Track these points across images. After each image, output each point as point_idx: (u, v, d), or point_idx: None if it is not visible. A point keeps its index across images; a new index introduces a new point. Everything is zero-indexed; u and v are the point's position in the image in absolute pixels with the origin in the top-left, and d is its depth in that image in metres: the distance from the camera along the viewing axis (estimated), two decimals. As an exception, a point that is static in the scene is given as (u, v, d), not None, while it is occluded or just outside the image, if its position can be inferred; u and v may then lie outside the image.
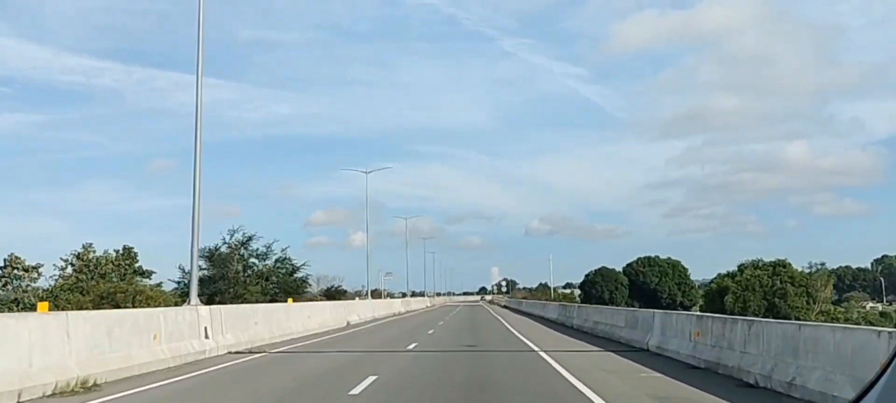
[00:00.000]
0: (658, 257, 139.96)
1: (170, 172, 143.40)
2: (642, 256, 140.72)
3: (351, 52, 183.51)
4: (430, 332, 30.31)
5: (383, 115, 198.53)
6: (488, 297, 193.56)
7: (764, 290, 60.13)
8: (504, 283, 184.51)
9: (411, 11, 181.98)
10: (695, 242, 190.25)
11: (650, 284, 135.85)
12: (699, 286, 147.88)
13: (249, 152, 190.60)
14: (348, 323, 35.14)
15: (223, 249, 55.31)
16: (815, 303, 60.86)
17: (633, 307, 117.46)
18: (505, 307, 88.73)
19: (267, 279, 56.23)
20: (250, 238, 56.26)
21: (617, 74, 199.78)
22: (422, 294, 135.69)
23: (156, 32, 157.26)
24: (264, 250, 57.06)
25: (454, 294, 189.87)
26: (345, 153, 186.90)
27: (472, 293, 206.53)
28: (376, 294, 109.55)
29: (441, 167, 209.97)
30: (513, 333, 29.08)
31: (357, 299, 46.36)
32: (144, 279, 55.05)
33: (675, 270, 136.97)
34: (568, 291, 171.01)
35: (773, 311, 57.80)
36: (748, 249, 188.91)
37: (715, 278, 72.64)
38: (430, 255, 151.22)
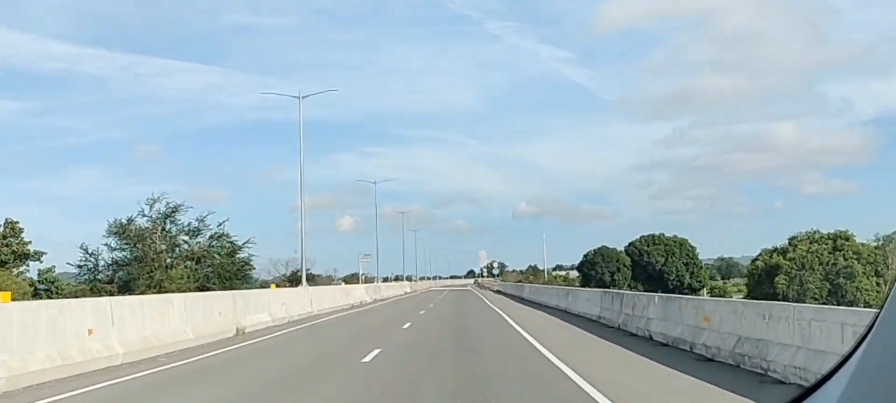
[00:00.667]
0: (663, 235, 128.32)
1: (155, 157, 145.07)
2: (645, 234, 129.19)
3: (336, 36, 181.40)
4: (370, 357, 15.20)
5: (370, 99, 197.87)
6: (478, 281, 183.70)
7: (824, 268, 48.13)
8: (495, 265, 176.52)
9: None
10: (681, 223, 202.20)
11: (655, 264, 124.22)
12: (706, 267, 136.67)
13: (235, 138, 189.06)
14: (238, 331, 21.28)
15: (142, 222, 42.99)
16: (884, 283, 48.86)
17: (637, 290, 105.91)
18: (498, 292, 76.62)
19: (198, 262, 43.89)
20: (176, 209, 43.93)
21: (603, 56, 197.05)
22: (407, 278, 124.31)
23: (139, 18, 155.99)
24: (197, 224, 44.77)
25: (441, 278, 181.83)
26: (332, 138, 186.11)
27: (459, 277, 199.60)
28: (353, 279, 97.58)
29: (428, 151, 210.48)
30: (547, 357, 14.62)
31: (275, 289, 31.29)
32: (32, 263, 43.22)
33: (682, 248, 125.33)
34: (563, 274, 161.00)
35: (837, 295, 45.94)
36: (736, 231, 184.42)
37: (760, 254, 60.59)
38: (412, 234, 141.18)
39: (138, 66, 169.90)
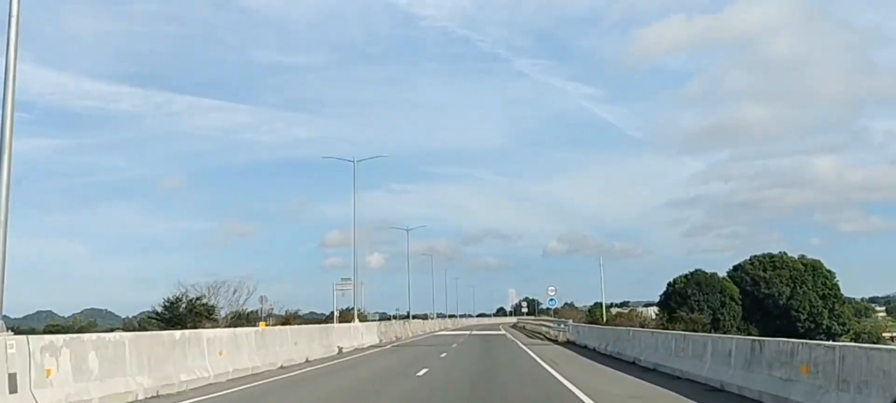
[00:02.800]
0: (785, 254, 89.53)
1: (186, 193, 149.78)
2: (760, 254, 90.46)
3: (366, 73, 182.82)
4: None
5: (398, 136, 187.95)
6: (512, 319, 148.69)
7: None
8: (524, 304, 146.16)
9: (426, 33, 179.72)
10: (715, 261, 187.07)
11: (777, 296, 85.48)
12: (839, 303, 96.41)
13: (265, 174, 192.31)
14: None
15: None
16: None
17: (749, 332, 67.90)
18: (570, 345, 38.68)
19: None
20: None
21: (633, 93, 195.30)
22: (398, 317, 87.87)
23: (173, 57, 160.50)
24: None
25: (469, 317, 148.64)
26: (360, 174, 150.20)
27: (488, 315, 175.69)
28: (346, 317, 62.30)
29: (457, 187, 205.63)
30: None
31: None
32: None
33: (815, 275, 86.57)
34: (622, 310, 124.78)
35: None
36: None
37: None
38: (440, 272, 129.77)
39: (172, 104, 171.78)
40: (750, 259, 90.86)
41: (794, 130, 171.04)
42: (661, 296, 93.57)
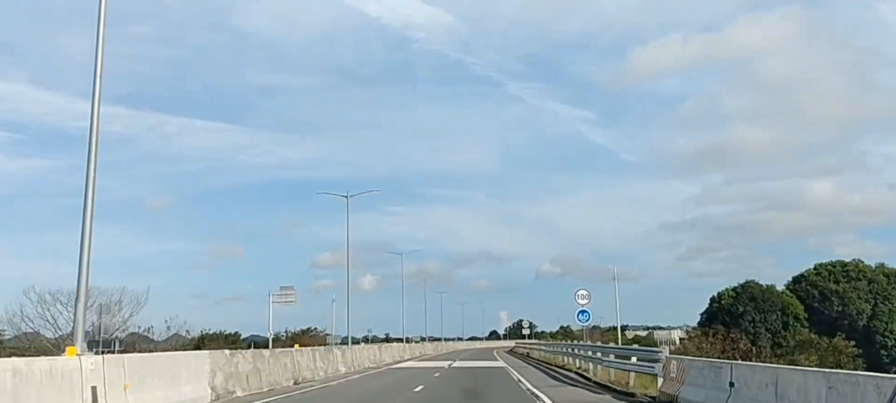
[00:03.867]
0: (860, 262, 71.38)
1: (177, 214, 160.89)
2: (827, 261, 72.25)
3: (359, 95, 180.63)
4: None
5: (391, 158, 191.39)
6: (506, 343, 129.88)
7: None
8: (526, 324, 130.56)
9: (418, 57, 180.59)
10: (711, 286, 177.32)
11: (856, 314, 67.19)
12: None
13: (257, 196, 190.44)
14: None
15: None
16: None
17: (856, 364, 49.84)
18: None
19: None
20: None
21: (626, 115, 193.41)
22: (401, 340, 69.04)
23: (167, 78, 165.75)
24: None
25: (459, 340, 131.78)
26: (353, 199, 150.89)
27: (480, 338, 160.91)
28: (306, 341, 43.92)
29: (449, 210, 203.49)
30: None
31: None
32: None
33: (899, 286, 68.39)
34: (630, 335, 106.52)
35: None
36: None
37: None
38: (432, 295, 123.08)
39: (165, 125, 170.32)
40: (814, 268, 72.94)
41: (791, 153, 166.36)
42: (702, 315, 75.27)
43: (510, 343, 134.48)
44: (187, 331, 46.64)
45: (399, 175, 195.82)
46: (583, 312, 43.64)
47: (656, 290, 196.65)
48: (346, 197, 47.89)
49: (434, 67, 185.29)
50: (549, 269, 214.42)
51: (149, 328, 42.46)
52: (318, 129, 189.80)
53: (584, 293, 43.45)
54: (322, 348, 32.82)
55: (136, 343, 40.42)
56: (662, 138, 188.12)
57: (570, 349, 40.22)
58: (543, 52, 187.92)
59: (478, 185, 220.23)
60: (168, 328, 44.48)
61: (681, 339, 73.40)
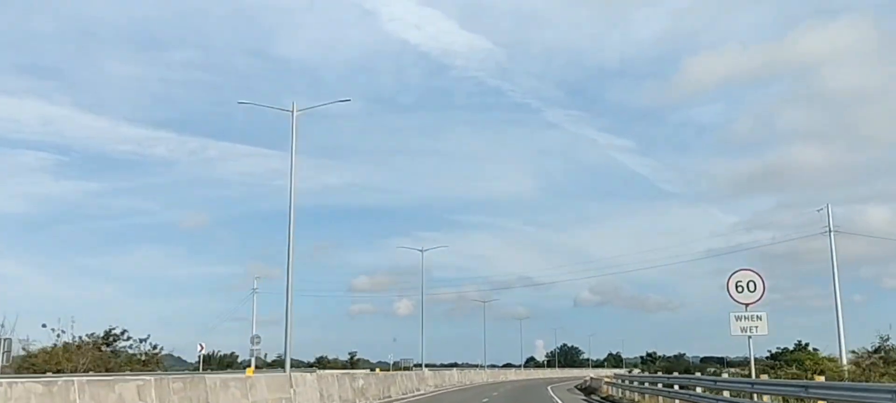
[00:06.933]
0: None
1: (216, 237, 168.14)
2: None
3: (396, 122, 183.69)
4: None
5: (427, 184, 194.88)
6: (551, 373, 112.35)
7: None
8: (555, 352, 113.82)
9: (457, 84, 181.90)
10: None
11: None
12: None
13: (297, 220, 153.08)
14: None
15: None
16: None
17: None
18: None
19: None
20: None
21: (665, 143, 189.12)
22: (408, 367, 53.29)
23: (208, 104, 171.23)
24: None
25: (496, 367, 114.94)
26: (390, 222, 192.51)
27: (515, 366, 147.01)
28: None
29: (485, 236, 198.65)
30: None
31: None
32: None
33: None
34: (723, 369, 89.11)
35: None
36: (800, 326, 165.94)
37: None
38: (450, 318, 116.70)
39: (206, 149, 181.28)
40: None
41: (849, 175, 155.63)
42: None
43: (557, 373, 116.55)
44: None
45: (435, 202, 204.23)
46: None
47: (697, 319, 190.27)
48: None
49: (471, 93, 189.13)
50: (588, 297, 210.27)
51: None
52: (356, 154, 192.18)
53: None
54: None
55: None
56: (704, 165, 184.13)
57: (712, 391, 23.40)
58: (582, 79, 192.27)
59: (514, 212, 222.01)
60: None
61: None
